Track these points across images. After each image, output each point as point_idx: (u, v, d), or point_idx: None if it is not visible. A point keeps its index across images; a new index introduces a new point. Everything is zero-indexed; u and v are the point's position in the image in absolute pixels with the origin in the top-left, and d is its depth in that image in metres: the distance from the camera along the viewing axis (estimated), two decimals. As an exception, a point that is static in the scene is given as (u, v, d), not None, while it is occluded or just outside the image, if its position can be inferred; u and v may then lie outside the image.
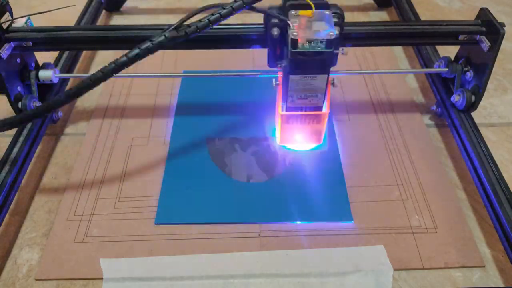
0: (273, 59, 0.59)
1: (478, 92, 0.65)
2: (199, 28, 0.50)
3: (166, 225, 0.59)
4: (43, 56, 0.71)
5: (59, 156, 0.69)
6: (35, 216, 0.61)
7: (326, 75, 0.53)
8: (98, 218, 0.60)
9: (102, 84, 0.79)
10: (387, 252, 0.55)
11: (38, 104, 0.66)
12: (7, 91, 0.63)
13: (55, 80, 0.69)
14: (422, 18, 0.90)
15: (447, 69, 0.69)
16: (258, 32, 0.61)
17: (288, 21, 0.51)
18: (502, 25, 0.60)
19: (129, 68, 0.84)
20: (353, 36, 0.63)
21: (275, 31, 0.54)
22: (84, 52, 0.88)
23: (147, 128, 0.72)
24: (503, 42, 0.60)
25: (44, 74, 0.67)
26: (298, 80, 0.54)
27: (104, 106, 0.77)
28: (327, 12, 0.53)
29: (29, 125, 0.64)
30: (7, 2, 0.62)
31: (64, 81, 0.76)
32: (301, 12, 0.52)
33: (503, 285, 0.53)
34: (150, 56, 0.88)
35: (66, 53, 0.78)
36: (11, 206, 0.60)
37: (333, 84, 0.57)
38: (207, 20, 0.49)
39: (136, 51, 0.49)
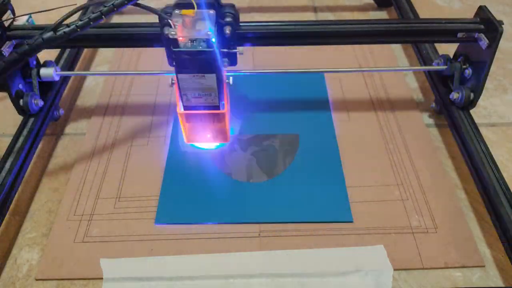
0: (170, 58, 0.59)
1: (477, 89, 0.65)
2: (79, 27, 0.49)
3: (166, 225, 0.59)
4: (44, 54, 0.71)
5: (59, 156, 0.69)
6: (35, 216, 0.61)
7: (215, 74, 0.53)
8: (98, 218, 0.60)
9: (103, 83, 0.81)
10: (387, 252, 0.55)
11: (40, 101, 0.66)
12: (8, 88, 0.63)
13: (56, 78, 0.69)
14: (422, 17, 0.90)
15: (446, 66, 0.70)
16: (155, 31, 0.61)
17: (170, 20, 0.51)
18: (501, 22, 0.60)
19: (129, 67, 0.85)
20: (249, 35, 0.62)
21: (166, 31, 0.53)
22: (85, 49, 0.88)
23: (147, 128, 0.72)
24: (503, 42, 0.60)
25: (45, 72, 0.67)
26: (187, 79, 0.54)
27: (104, 106, 0.77)
28: (211, 11, 0.53)
29: (29, 124, 0.64)
30: (9, 1, 0.62)
31: (65, 79, 0.76)
32: (183, 11, 0.52)
33: (503, 285, 0.53)
34: (150, 55, 0.89)
35: (67, 51, 0.78)
36: (11, 206, 0.60)
37: (228, 83, 0.58)
38: (87, 19, 0.49)
39: (13, 56, 0.49)
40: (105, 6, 0.48)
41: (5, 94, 0.64)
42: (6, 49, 0.61)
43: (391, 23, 0.67)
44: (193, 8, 0.52)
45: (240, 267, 0.54)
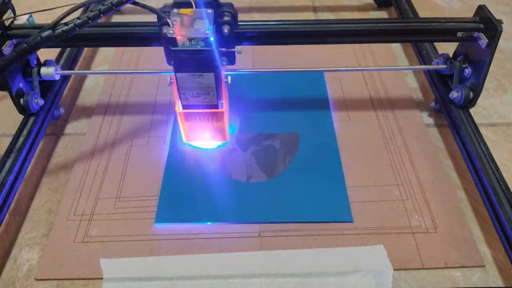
0: (169, 57, 0.59)
1: (476, 88, 0.65)
2: (77, 26, 0.49)
3: (166, 225, 0.59)
4: (45, 53, 0.71)
5: (59, 155, 0.69)
6: (35, 216, 0.61)
7: (213, 73, 0.53)
8: (98, 218, 0.60)
9: (103, 83, 0.81)
10: (387, 252, 0.55)
11: (40, 100, 0.66)
12: (9, 87, 0.63)
13: (57, 77, 0.69)
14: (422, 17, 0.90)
15: (445, 66, 0.70)
16: (154, 31, 0.61)
17: (168, 20, 0.51)
18: (500, 22, 0.60)
19: (129, 67, 0.85)
20: (247, 34, 0.62)
21: (164, 29, 0.54)
22: (86, 49, 0.88)
23: (147, 128, 0.72)
24: (503, 42, 0.60)
25: (45, 71, 0.67)
26: (185, 78, 0.54)
27: (104, 105, 0.77)
28: (209, 10, 0.53)
29: (29, 124, 0.64)
30: (10, 0, 0.62)
31: (65, 78, 0.76)
32: (182, 10, 0.52)
33: (503, 285, 0.53)
34: (150, 55, 0.89)
35: (68, 50, 0.78)
36: (11, 206, 0.60)
37: (226, 81, 0.58)
38: (85, 17, 0.49)
39: (12, 54, 0.50)
40: (104, 5, 0.48)
41: (5, 94, 0.64)
42: (7, 49, 0.62)
43: (391, 23, 0.67)
44: (192, 7, 0.52)
45: (240, 267, 0.54)
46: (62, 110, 0.74)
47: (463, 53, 0.69)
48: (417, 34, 0.67)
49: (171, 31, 0.50)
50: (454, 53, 0.71)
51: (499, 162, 0.61)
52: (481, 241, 0.57)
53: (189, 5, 0.52)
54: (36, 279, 0.54)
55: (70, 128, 0.74)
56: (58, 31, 0.49)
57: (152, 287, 0.53)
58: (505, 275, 0.54)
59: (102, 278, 0.53)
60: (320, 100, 0.77)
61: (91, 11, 0.49)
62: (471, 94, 0.66)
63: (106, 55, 0.89)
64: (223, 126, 0.61)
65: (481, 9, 0.64)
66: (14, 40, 0.63)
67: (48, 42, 0.49)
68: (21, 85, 0.66)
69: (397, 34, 0.67)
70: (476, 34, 0.64)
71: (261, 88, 0.79)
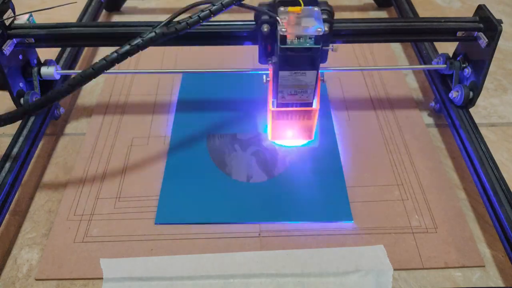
0: (264, 56, 0.59)
1: (476, 88, 0.65)
2: (189, 25, 0.50)
3: (166, 225, 0.59)
4: (45, 53, 0.71)
5: (59, 155, 0.69)
6: (35, 216, 0.61)
7: (316, 71, 0.54)
8: (98, 218, 0.60)
9: (103, 83, 0.81)
10: (387, 252, 0.55)
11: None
12: (9, 87, 0.63)
13: (57, 77, 0.69)
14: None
15: (445, 65, 0.70)
16: (249, 29, 0.61)
17: (277, 18, 0.51)
18: (500, 21, 0.60)
19: (130, 67, 0.85)
20: (342, 33, 0.63)
21: (265, 28, 0.54)
22: (86, 48, 0.88)
23: (147, 127, 0.72)
24: (503, 42, 0.60)
25: (46, 70, 0.68)
26: (287, 76, 0.54)
27: (104, 105, 0.77)
28: (316, 8, 0.53)
29: (29, 124, 0.64)
30: (10, 0, 0.62)
31: (65, 78, 0.76)
32: (290, 8, 0.52)
33: (503, 285, 0.53)
34: (150, 55, 0.89)
35: (68, 49, 0.78)
36: (11, 206, 0.60)
37: (322, 80, 0.58)
38: (197, 17, 0.50)
39: (127, 47, 0.50)
40: (215, 5, 0.49)
41: (4, 94, 0.64)
42: (7, 48, 0.62)
43: (391, 22, 0.67)
44: (300, 5, 0.52)
45: (240, 267, 0.54)
46: (62, 110, 0.74)
47: (463, 52, 0.69)
48: (417, 34, 0.67)
49: (283, 29, 0.50)
50: (454, 53, 0.72)
51: (499, 162, 0.61)
52: (481, 241, 0.57)
53: (297, 3, 0.52)
54: (36, 279, 0.54)
55: (70, 128, 0.74)
56: (171, 28, 0.50)
57: (152, 287, 0.53)
58: (505, 275, 0.54)
59: (102, 278, 0.53)
60: (320, 100, 0.76)
61: (202, 10, 0.50)
62: (471, 93, 0.66)
63: (106, 53, 0.89)
64: (312, 125, 0.61)
65: (481, 8, 0.64)
66: (14, 39, 0.63)
67: (160, 39, 0.50)
68: (21, 84, 0.66)
69: (397, 33, 0.67)
70: (476, 33, 0.64)
71: (261, 87, 0.79)
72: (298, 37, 0.51)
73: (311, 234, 0.57)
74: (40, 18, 0.66)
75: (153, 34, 0.50)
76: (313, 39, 0.51)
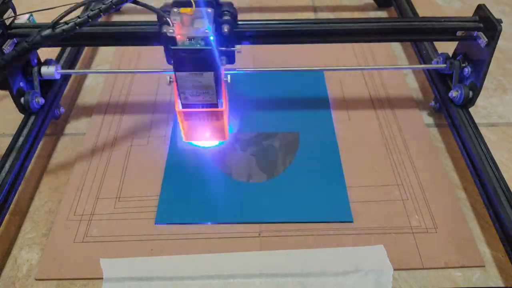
0: (169, 56, 0.59)
1: (476, 87, 0.65)
2: (77, 25, 0.49)
3: (166, 225, 0.59)
4: (45, 53, 0.71)
5: (59, 156, 0.69)
6: (35, 216, 0.61)
7: (213, 73, 0.53)
8: (98, 218, 0.60)
9: (103, 83, 0.81)
10: (387, 252, 0.55)
11: (40, 99, 0.66)
12: (10, 86, 0.63)
13: (57, 76, 0.69)
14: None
15: (445, 65, 0.70)
16: (154, 30, 0.61)
17: (168, 19, 0.51)
18: (500, 21, 0.60)
19: (130, 66, 0.85)
20: (248, 34, 0.63)
21: (164, 29, 0.53)
22: (86, 49, 0.88)
23: (147, 127, 0.72)
24: (503, 42, 0.60)
25: (46, 70, 0.68)
26: (185, 77, 0.54)
27: (104, 105, 0.77)
28: (209, 9, 0.53)
29: (29, 124, 0.65)
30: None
31: (65, 78, 0.76)
32: (182, 9, 0.52)
33: (503, 285, 0.53)
34: (150, 55, 0.89)
35: (68, 49, 0.78)
36: (11, 206, 0.60)
37: (226, 81, 0.58)
38: (86, 16, 0.49)
39: (12, 53, 0.50)
40: (104, 4, 0.48)
41: (4, 94, 0.64)
42: (7, 48, 0.62)
43: (391, 22, 0.67)
44: (192, 6, 0.52)
45: (240, 267, 0.54)
46: (62, 109, 0.74)
47: (462, 52, 0.69)
48: (417, 33, 0.67)
49: (171, 30, 0.50)
50: (454, 53, 0.72)
51: (499, 162, 0.61)
52: (481, 241, 0.57)
53: (189, 5, 0.52)
54: (36, 279, 0.54)
55: (70, 128, 0.74)
56: (58, 30, 0.49)
57: (152, 287, 0.53)
58: (505, 275, 0.54)
59: (102, 278, 0.53)
60: (320, 100, 0.77)
61: (91, 10, 0.49)
62: (471, 93, 0.66)
63: (106, 55, 0.89)
64: (222, 125, 0.61)
65: (481, 8, 0.64)
66: (14, 39, 0.63)
67: (48, 41, 0.50)
68: (21, 84, 0.66)
69: (397, 33, 0.67)
70: (475, 33, 0.64)
71: (260, 87, 0.79)
72: (190, 39, 0.51)
73: (311, 234, 0.57)
74: (41, 18, 0.66)
75: (38, 37, 0.49)
76: (204, 40, 0.50)
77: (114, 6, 0.49)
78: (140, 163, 0.67)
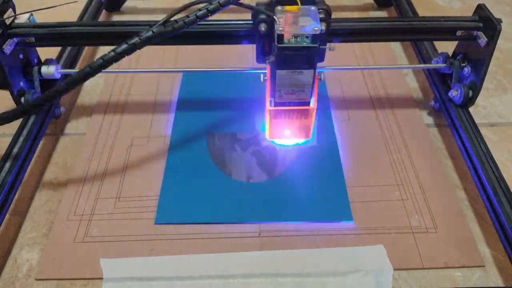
0: (261, 55, 0.60)
1: (476, 87, 0.65)
2: (186, 24, 0.50)
3: (166, 225, 0.59)
4: (46, 52, 0.71)
5: (59, 156, 0.69)
6: (35, 216, 0.61)
7: (313, 70, 0.54)
8: (98, 218, 0.60)
9: (103, 83, 0.81)
10: (387, 252, 0.55)
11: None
12: (10, 86, 0.63)
13: (57, 76, 0.69)
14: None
15: (445, 64, 0.70)
16: (247, 28, 0.62)
17: (275, 17, 0.51)
18: (499, 21, 0.61)
19: (130, 66, 0.85)
20: (340, 32, 0.63)
21: (263, 27, 0.54)
22: (86, 48, 0.89)
23: (147, 127, 0.72)
24: (503, 42, 0.60)
25: (46, 69, 0.68)
26: (285, 75, 0.54)
27: (104, 105, 0.77)
28: (313, 7, 0.53)
29: (29, 124, 0.64)
30: None
31: (66, 77, 0.76)
32: (287, 7, 0.53)
33: (503, 285, 0.53)
34: (150, 55, 0.89)
35: (68, 49, 0.78)
36: (11, 206, 0.60)
37: (320, 79, 0.58)
38: (194, 16, 0.50)
39: (124, 46, 0.49)
40: (212, 4, 0.49)
41: (4, 94, 0.64)
42: (8, 47, 0.62)
43: (391, 21, 0.67)
44: (297, 4, 0.53)
45: (240, 267, 0.54)
46: (62, 109, 0.74)
47: (462, 52, 0.69)
48: (416, 33, 0.67)
49: (280, 28, 0.50)
50: (454, 52, 0.72)
51: (499, 162, 0.61)
52: (481, 241, 0.57)
53: (294, 2, 0.53)
54: (36, 279, 0.54)
55: (70, 128, 0.74)
56: (169, 27, 0.50)
57: (152, 287, 0.53)
58: (505, 275, 0.54)
59: (102, 278, 0.53)
60: (320, 99, 0.76)
61: (199, 9, 0.50)
62: (470, 92, 0.66)
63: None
64: (310, 124, 0.61)
65: (481, 8, 0.64)
66: (15, 39, 0.63)
67: (158, 37, 0.50)
68: (21, 83, 0.66)
69: (397, 33, 0.67)
70: (475, 33, 0.64)
71: (260, 86, 0.79)
72: (295, 36, 0.51)
73: (311, 234, 0.57)
74: (41, 18, 0.66)
75: (150, 33, 0.50)
76: (310, 38, 0.51)
77: (221, 7, 0.50)
78: (140, 163, 0.67)
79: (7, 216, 0.60)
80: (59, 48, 0.78)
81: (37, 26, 0.63)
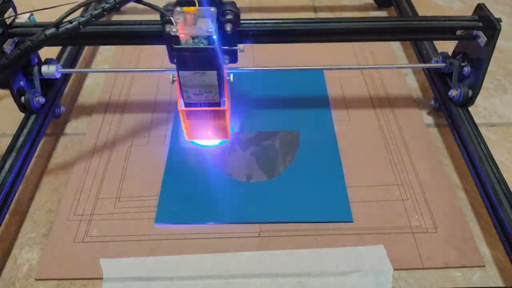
0: (172, 55, 0.59)
1: (475, 86, 0.65)
2: (81, 24, 0.49)
3: (166, 225, 0.59)
4: (46, 52, 0.71)
5: (59, 156, 0.69)
6: (35, 216, 0.61)
7: (215, 71, 0.54)
8: (98, 218, 0.60)
9: (103, 83, 0.81)
10: (387, 252, 0.55)
11: (41, 99, 0.67)
12: (10, 85, 0.63)
13: (58, 75, 0.69)
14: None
15: (444, 64, 0.70)
16: (157, 29, 0.62)
17: (171, 18, 0.51)
18: (499, 20, 0.61)
19: (130, 66, 0.85)
20: (250, 33, 0.63)
21: (167, 28, 0.53)
22: (86, 49, 0.89)
23: (147, 128, 0.72)
24: (503, 42, 0.60)
25: (46, 69, 0.68)
26: (188, 76, 0.54)
27: (105, 105, 0.77)
28: (212, 8, 0.53)
29: (29, 124, 0.65)
30: None
31: (66, 77, 0.76)
32: (185, 8, 0.52)
33: (503, 285, 0.53)
34: (150, 55, 0.89)
35: (68, 48, 0.78)
36: (11, 206, 0.60)
37: (229, 80, 0.58)
38: (89, 15, 0.49)
39: (16, 52, 0.49)
40: (108, 3, 0.49)
41: (4, 94, 0.64)
42: (8, 47, 0.62)
43: (391, 21, 0.67)
44: (195, 5, 0.52)
45: (240, 267, 0.54)
46: (63, 109, 0.74)
47: (462, 51, 0.69)
48: (416, 32, 0.67)
49: (174, 29, 0.50)
50: (453, 52, 0.72)
51: (499, 162, 0.61)
52: (481, 241, 0.57)
53: (192, 4, 0.52)
54: (36, 279, 0.54)
55: (70, 128, 0.74)
56: (62, 29, 0.49)
57: (152, 287, 0.53)
58: (505, 275, 0.54)
59: (102, 278, 0.53)
60: (320, 99, 0.77)
61: (95, 9, 0.49)
62: (470, 92, 0.66)
63: (106, 55, 0.89)
64: (225, 124, 0.61)
65: (480, 8, 0.64)
66: (15, 38, 0.63)
67: (52, 40, 0.49)
68: (22, 83, 0.66)
69: (397, 32, 0.67)
70: (475, 32, 0.64)
71: (261, 86, 0.79)
72: (193, 38, 0.51)
73: (311, 234, 0.58)
74: (41, 17, 0.66)
75: (42, 36, 0.49)
76: (207, 39, 0.51)
77: (117, 5, 0.49)
78: (140, 163, 0.67)
79: (7, 216, 0.60)
80: (59, 48, 0.78)
81: (38, 26, 0.63)
